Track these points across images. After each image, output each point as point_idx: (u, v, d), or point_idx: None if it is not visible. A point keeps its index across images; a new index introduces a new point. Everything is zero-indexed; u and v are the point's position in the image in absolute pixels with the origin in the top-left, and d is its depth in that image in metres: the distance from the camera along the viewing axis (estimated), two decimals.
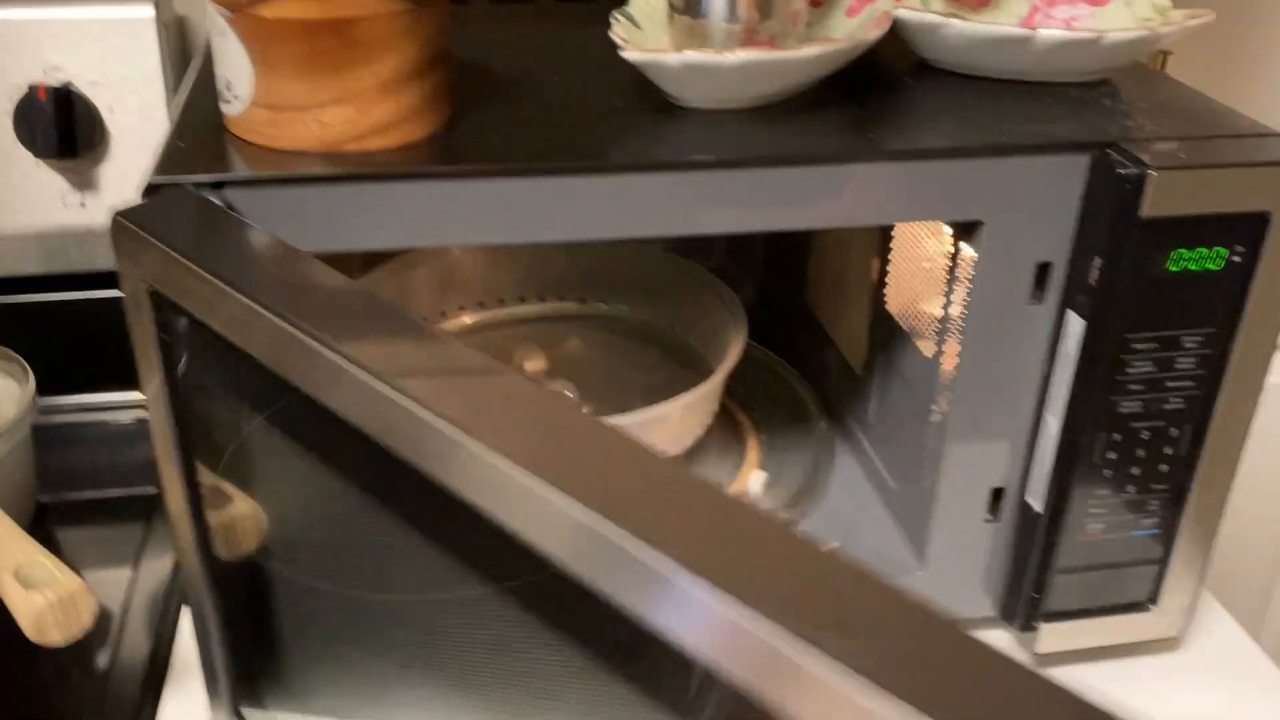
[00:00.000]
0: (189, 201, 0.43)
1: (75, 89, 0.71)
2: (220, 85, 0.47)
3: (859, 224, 0.50)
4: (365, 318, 0.36)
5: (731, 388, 0.75)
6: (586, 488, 0.28)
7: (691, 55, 0.49)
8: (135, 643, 0.60)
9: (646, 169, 0.48)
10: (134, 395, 0.80)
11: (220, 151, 0.46)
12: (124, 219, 0.41)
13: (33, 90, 0.69)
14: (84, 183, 0.74)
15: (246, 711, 0.51)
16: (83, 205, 0.74)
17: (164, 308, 0.41)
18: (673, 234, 0.49)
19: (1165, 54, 0.89)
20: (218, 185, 0.44)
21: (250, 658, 0.50)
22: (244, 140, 0.47)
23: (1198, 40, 0.88)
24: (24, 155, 0.72)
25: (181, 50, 0.77)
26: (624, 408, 0.62)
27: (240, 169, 0.45)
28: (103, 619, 0.60)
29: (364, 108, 0.45)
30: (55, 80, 0.70)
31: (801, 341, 0.78)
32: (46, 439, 0.72)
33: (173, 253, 0.39)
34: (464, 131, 0.49)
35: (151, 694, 0.58)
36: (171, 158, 0.46)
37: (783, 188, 0.49)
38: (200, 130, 0.48)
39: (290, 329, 0.34)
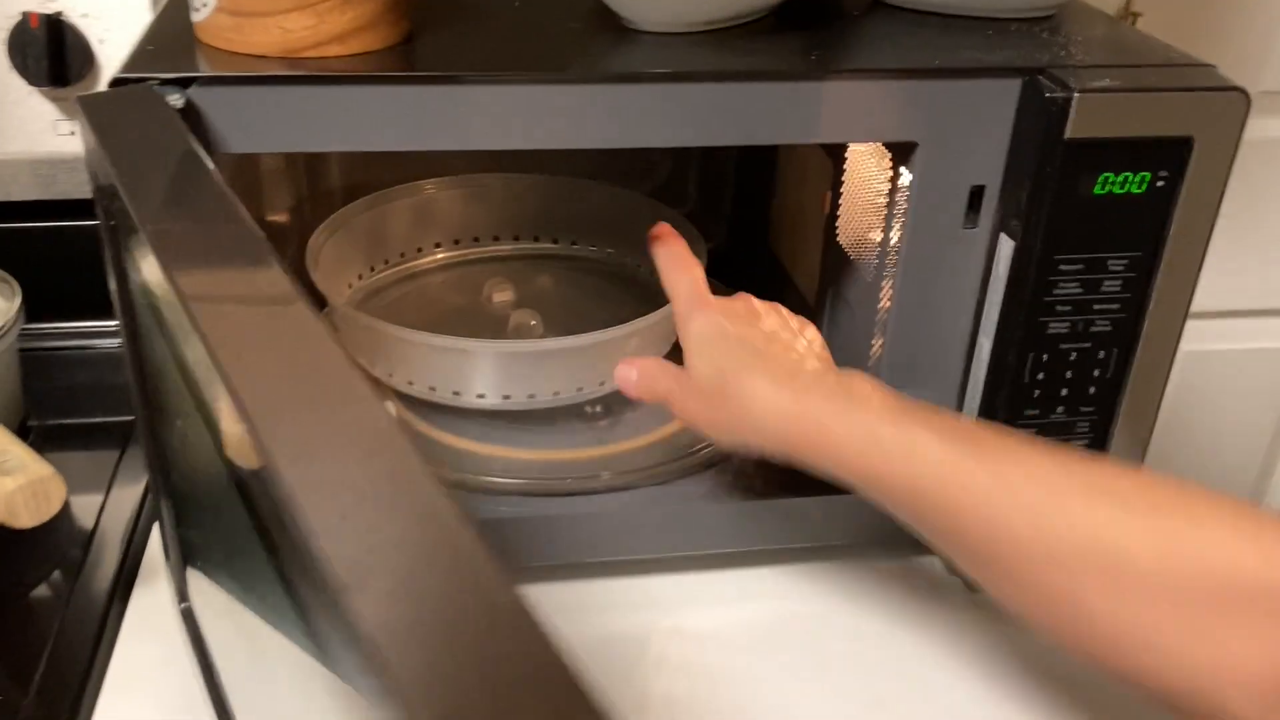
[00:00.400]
0: (146, 99, 0.45)
1: (66, 19, 0.73)
2: None
3: (799, 140, 0.53)
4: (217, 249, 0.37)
5: None
6: None
7: None
8: (102, 556, 0.62)
9: (598, 80, 0.50)
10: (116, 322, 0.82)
11: (187, 54, 0.49)
12: (84, 103, 0.43)
13: (25, 18, 0.72)
14: (74, 111, 0.77)
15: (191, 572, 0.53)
16: (73, 133, 0.77)
17: (107, 197, 0.44)
18: (622, 145, 0.51)
19: (1135, 14, 0.91)
20: (183, 83, 0.46)
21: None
22: (210, 46, 0.49)
23: (1167, 2, 0.90)
24: (17, 83, 0.74)
25: None
26: None
27: (203, 69, 0.47)
28: (79, 534, 0.62)
29: (324, 15, 0.48)
30: (47, 9, 0.73)
31: (764, 283, 0.80)
32: (33, 364, 0.75)
33: (102, 147, 0.41)
34: (421, 47, 0.52)
35: (120, 596, 0.60)
36: (140, 57, 0.48)
37: (728, 103, 0.51)
38: (170, 37, 0.51)
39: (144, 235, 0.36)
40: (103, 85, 0.76)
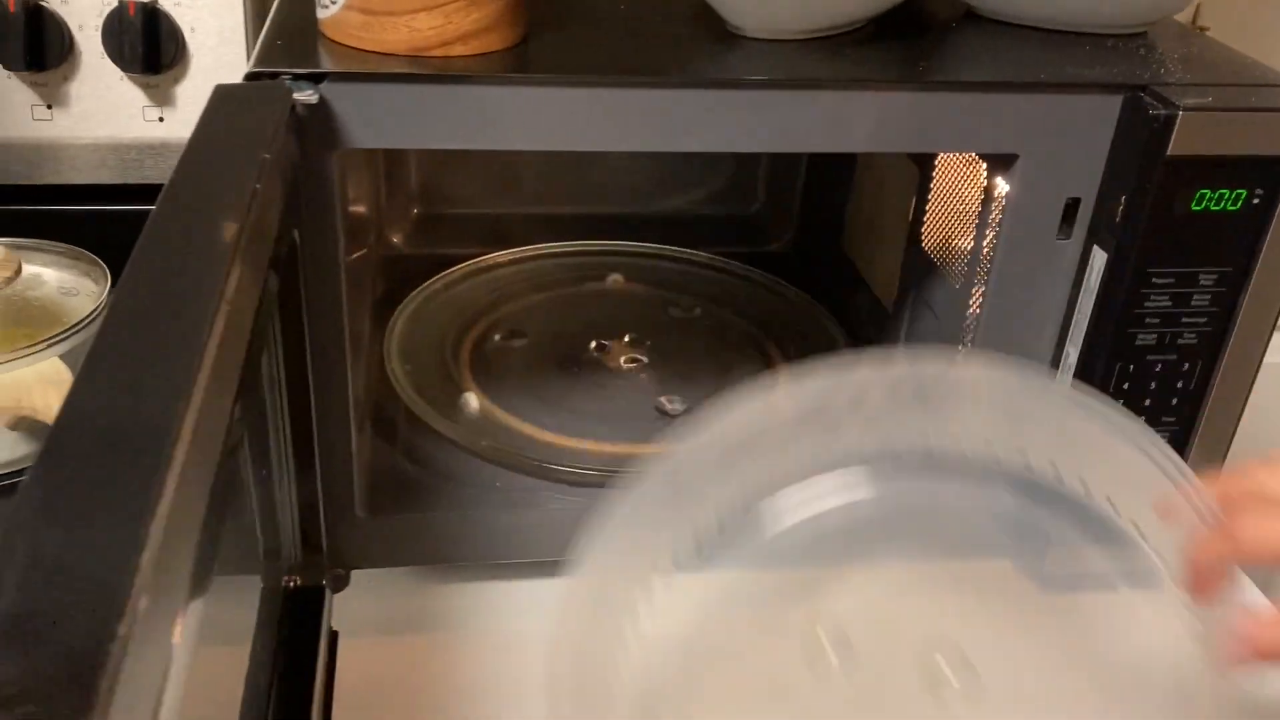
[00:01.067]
0: (275, 93, 0.47)
1: (161, 7, 0.75)
2: None
3: (902, 150, 0.54)
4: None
5: (767, 325, 0.79)
6: None
7: None
8: None
9: (702, 86, 0.51)
10: None
11: (314, 50, 0.50)
12: (217, 92, 0.45)
13: (122, 5, 0.73)
14: (163, 98, 0.78)
15: None
16: (160, 120, 0.78)
17: None
18: (726, 149, 0.53)
19: (1203, 28, 0.92)
20: (315, 79, 0.48)
21: None
22: (335, 42, 0.51)
23: (1232, 12, 0.90)
24: (109, 68, 0.76)
25: None
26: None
27: (334, 66, 0.49)
28: None
29: (450, 16, 0.49)
30: None
31: (835, 283, 0.82)
32: None
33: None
34: (537, 48, 0.53)
35: None
36: (271, 52, 0.49)
37: (835, 111, 0.52)
38: (294, 31, 0.52)
39: None
40: (192, 73, 0.77)
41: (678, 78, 0.51)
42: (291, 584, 0.57)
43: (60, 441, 0.27)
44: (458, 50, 0.50)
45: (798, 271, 0.84)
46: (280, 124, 0.43)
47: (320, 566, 0.57)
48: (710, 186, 0.91)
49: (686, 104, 0.51)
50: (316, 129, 0.48)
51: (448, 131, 0.50)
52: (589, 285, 0.83)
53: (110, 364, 0.30)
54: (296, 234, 0.49)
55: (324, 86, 0.48)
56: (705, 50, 0.55)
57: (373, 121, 0.49)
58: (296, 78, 0.48)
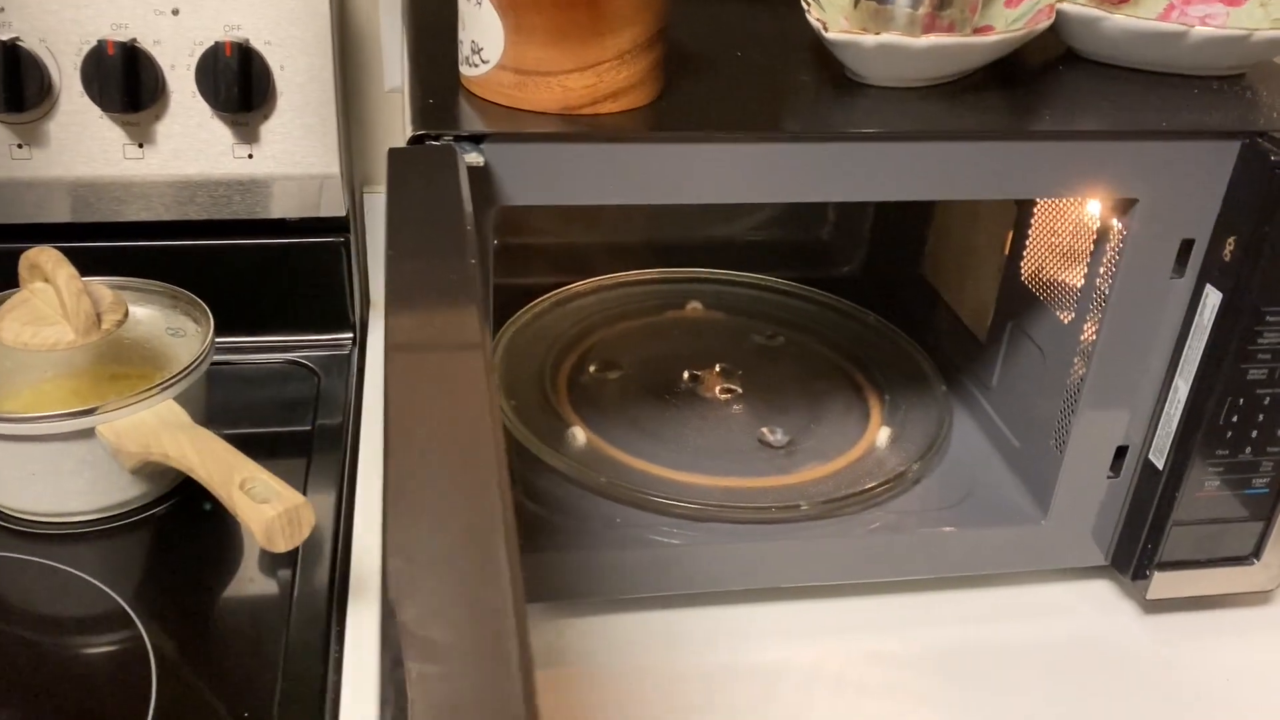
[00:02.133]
0: (443, 156, 0.48)
1: (253, 46, 0.76)
2: (465, 49, 0.52)
3: (1026, 196, 0.55)
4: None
5: (849, 350, 0.80)
6: None
7: (887, 37, 0.53)
8: (312, 568, 0.65)
9: (837, 139, 0.53)
10: (280, 338, 0.85)
11: (467, 110, 0.51)
12: (392, 156, 0.46)
13: (218, 46, 0.74)
14: (251, 136, 0.79)
15: None
16: (250, 157, 0.79)
17: None
18: (855, 199, 0.54)
19: None
20: (477, 139, 0.49)
21: None
22: (486, 100, 0.52)
23: None
24: (200, 107, 0.77)
25: (342, 13, 0.82)
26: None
27: (491, 126, 0.50)
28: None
29: (602, 75, 0.50)
30: (235, 38, 0.75)
31: (914, 310, 0.83)
32: (207, 377, 0.77)
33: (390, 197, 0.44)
34: (675, 101, 0.54)
35: (338, 609, 0.63)
36: (428, 113, 0.50)
37: (960, 161, 0.54)
38: (441, 90, 0.53)
39: None
40: (280, 110, 0.78)
41: (811, 131, 0.53)
42: None
43: None
44: (606, 108, 0.51)
45: (869, 295, 0.86)
46: (466, 188, 0.44)
47: None
48: (779, 211, 0.93)
49: (818, 156, 0.52)
50: (478, 188, 0.49)
51: (598, 188, 0.51)
52: (669, 314, 0.84)
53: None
54: None
55: (486, 146, 0.49)
56: (830, 101, 0.56)
57: (529, 179, 0.50)
58: (458, 139, 0.49)
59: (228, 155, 0.79)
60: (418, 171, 0.46)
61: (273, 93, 0.77)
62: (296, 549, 0.65)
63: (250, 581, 0.65)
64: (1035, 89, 0.59)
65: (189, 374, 0.67)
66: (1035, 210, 0.68)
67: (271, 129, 0.79)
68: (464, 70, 0.52)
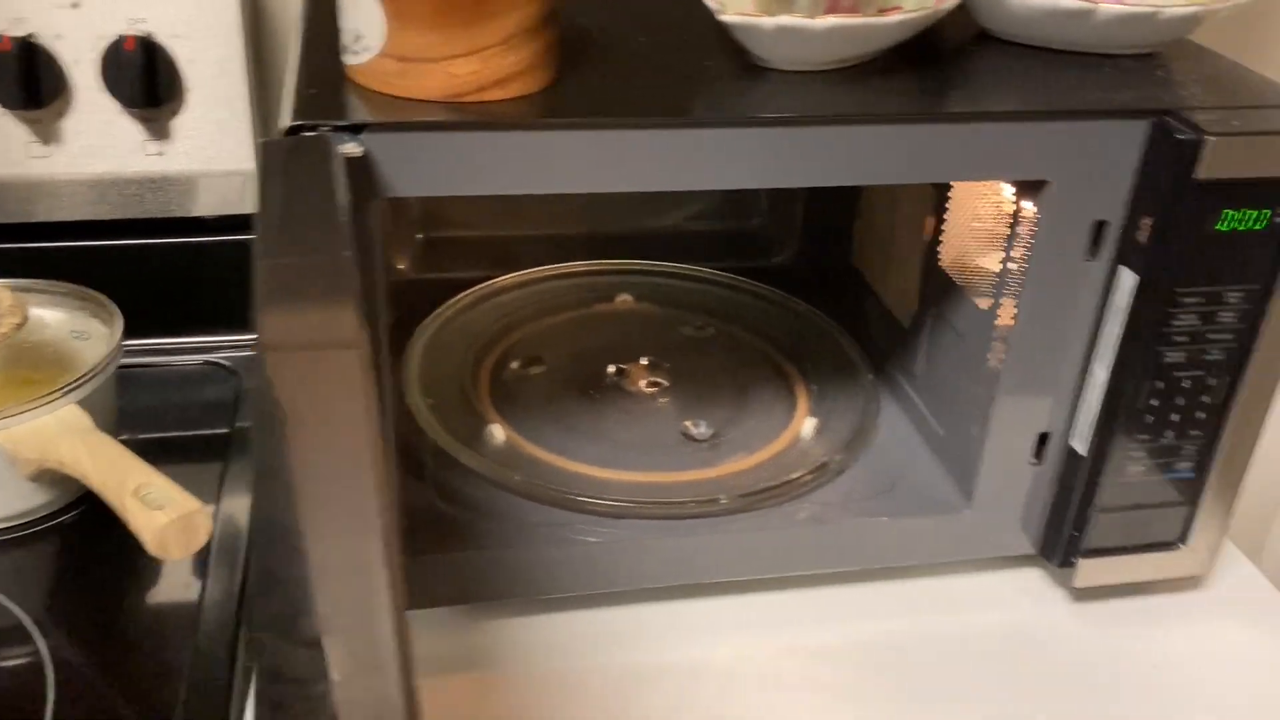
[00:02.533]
0: (318, 147, 0.46)
1: (158, 40, 0.73)
2: (347, 38, 0.50)
3: (935, 180, 0.54)
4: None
5: (778, 340, 0.79)
6: None
7: (786, 19, 0.52)
8: (221, 573, 0.63)
9: (741, 124, 0.51)
10: (198, 339, 0.83)
11: (350, 99, 0.50)
12: (262, 148, 0.44)
13: (120, 40, 0.72)
14: (161, 132, 0.77)
15: None
16: (160, 154, 0.77)
17: None
18: (758, 185, 0.53)
19: None
20: (356, 129, 0.47)
21: None
22: (370, 89, 0.50)
23: (1227, 31, 0.92)
24: (107, 104, 0.75)
25: (254, 3, 0.80)
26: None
27: (372, 115, 0.48)
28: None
29: (488, 60, 0.48)
30: (139, 31, 0.73)
31: (844, 298, 0.82)
32: (121, 380, 0.75)
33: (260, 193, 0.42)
34: (569, 87, 0.53)
35: (246, 615, 0.61)
36: (307, 104, 0.49)
37: (865, 145, 0.52)
38: (325, 79, 0.51)
39: None
40: (190, 105, 0.76)
41: (709, 117, 0.51)
42: None
43: None
44: (494, 95, 0.50)
45: (802, 285, 0.85)
46: (342, 181, 0.43)
47: None
48: (711, 201, 0.91)
49: (718, 142, 0.51)
50: (358, 180, 0.47)
51: (487, 178, 0.50)
52: (599, 306, 0.82)
53: None
54: None
55: (365, 137, 0.47)
56: (733, 85, 0.55)
57: (413, 170, 0.48)
58: (337, 129, 0.47)
59: (138, 152, 0.77)
60: (290, 165, 0.44)
61: (181, 87, 0.76)
62: (207, 556, 0.64)
63: (158, 590, 0.63)
64: (944, 70, 0.58)
65: (93, 377, 0.65)
66: (952, 194, 0.67)
67: (182, 125, 0.77)
68: (346, 59, 0.51)
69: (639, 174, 0.51)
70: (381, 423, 0.41)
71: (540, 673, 0.60)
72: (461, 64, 0.48)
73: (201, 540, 0.55)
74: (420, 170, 0.49)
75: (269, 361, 0.36)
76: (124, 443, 0.73)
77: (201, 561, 0.64)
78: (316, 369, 0.36)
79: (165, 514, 0.54)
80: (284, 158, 0.45)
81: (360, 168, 0.47)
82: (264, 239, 0.41)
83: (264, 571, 0.32)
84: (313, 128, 0.47)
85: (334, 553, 0.33)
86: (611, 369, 0.74)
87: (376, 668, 0.35)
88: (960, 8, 0.60)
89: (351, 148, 0.46)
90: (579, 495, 0.63)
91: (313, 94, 0.50)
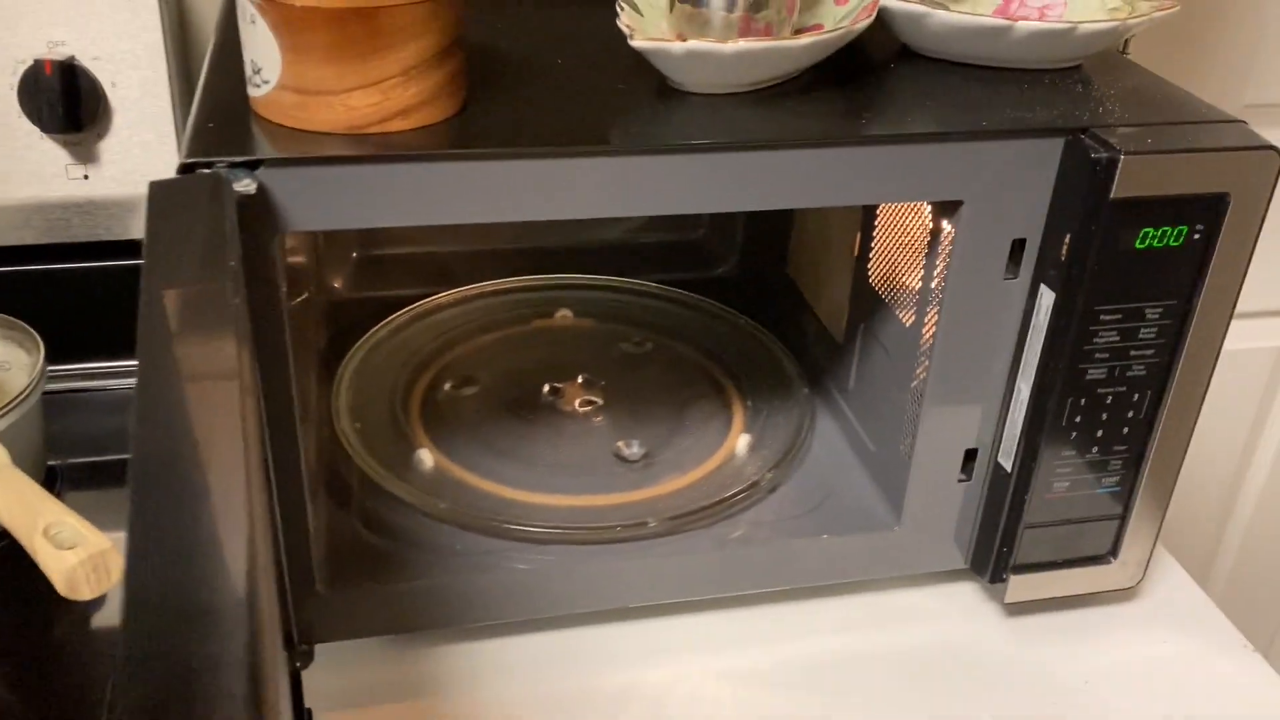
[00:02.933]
0: (212, 185, 0.45)
1: (79, 63, 0.72)
2: (248, 69, 0.49)
3: (847, 204, 0.54)
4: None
5: (718, 355, 0.79)
6: None
7: (695, 44, 0.51)
8: None
9: (650, 152, 0.51)
10: (134, 363, 0.81)
11: (249, 133, 0.49)
12: (152, 189, 0.43)
13: (38, 64, 0.71)
14: (86, 156, 0.76)
15: None
16: (85, 178, 0.76)
17: None
18: (672, 212, 0.52)
19: (1127, 39, 0.93)
20: (252, 165, 0.46)
21: None
22: (270, 121, 0.49)
23: (1158, 26, 0.92)
24: (28, 128, 0.73)
25: (180, 24, 0.79)
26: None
27: (270, 150, 0.47)
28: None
29: (388, 92, 0.48)
30: (59, 55, 0.72)
31: (783, 311, 0.82)
32: (49, 405, 0.74)
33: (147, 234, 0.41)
34: (478, 114, 0.52)
35: None
36: (202, 138, 0.48)
37: (777, 169, 0.52)
38: (226, 112, 0.50)
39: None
40: (116, 128, 0.75)
41: (621, 145, 0.50)
42: None
43: None
44: (397, 125, 0.49)
45: (744, 296, 0.84)
46: (233, 219, 0.42)
47: (292, 651, 0.56)
48: (653, 214, 0.91)
49: (631, 170, 0.51)
50: (256, 215, 0.47)
51: (391, 209, 0.49)
52: (537, 322, 0.82)
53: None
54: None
55: (262, 172, 0.46)
56: (647, 110, 0.54)
57: (314, 204, 0.48)
58: (232, 165, 0.46)
59: (61, 177, 0.76)
60: (180, 204, 0.44)
61: (105, 111, 0.74)
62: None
63: (81, 622, 0.62)
64: (862, 90, 0.58)
65: (10, 409, 0.64)
66: (879, 212, 0.66)
67: (109, 148, 0.76)
68: (250, 92, 0.50)
69: (546, 203, 0.50)
70: (262, 452, 0.40)
71: (470, 701, 0.60)
72: (360, 96, 0.48)
73: (114, 579, 0.54)
74: (320, 204, 0.48)
75: (143, 397, 0.35)
76: (54, 469, 0.72)
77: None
78: (200, 403, 0.36)
79: (75, 554, 0.53)
80: (172, 198, 0.44)
81: (257, 203, 0.47)
82: (149, 275, 0.40)
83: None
84: (207, 164, 0.46)
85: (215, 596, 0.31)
86: (546, 388, 0.74)
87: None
88: (882, 24, 0.59)
89: (246, 184, 0.46)
90: (507, 522, 0.63)
91: (210, 128, 0.49)
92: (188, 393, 0.35)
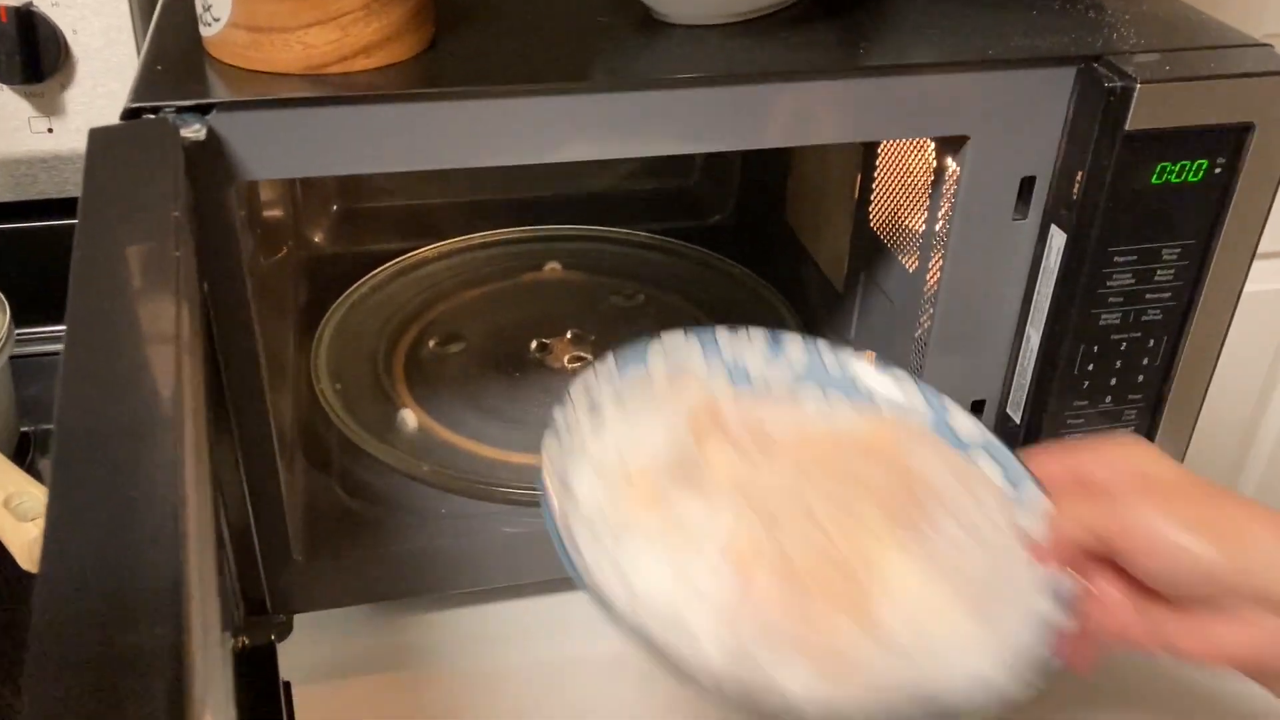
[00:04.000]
0: (157, 132, 0.42)
1: (37, 9, 0.69)
2: (198, 7, 0.46)
3: (845, 140, 0.50)
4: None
5: (713, 307, 0.75)
6: None
7: None
8: None
9: (632, 87, 0.47)
10: None
11: (200, 75, 0.45)
12: (92, 137, 0.40)
13: None
14: (50, 108, 0.72)
15: None
16: (49, 130, 0.73)
17: None
18: (657, 153, 0.49)
19: None
20: (202, 109, 0.43)
21: None
22: (224, 63, 0.46)
23: None
24: None
25: None
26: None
27: (223, 93, 0.44)
28: None
29: (347, 28, 0.44)
30: (15, 1, 0.68)
31: (781, 260, 0.79)
32: (23, 370, 0.71)
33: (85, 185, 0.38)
34: (447, 51, 0.49)
35: None
36: (150, 81, 0.45)
37: (769, 104, 0.48)
38: (177, 54, 0.47)
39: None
40: (79, 79, 0.71)
41: (601, 81, 0.47)
42: (241, 644, 0.53)
43: None
44: (359, 64, 0.45)
45: (740, 245, 0.81)
46: (179, 168, 0.39)
47: (268, 623, 0.54)
48: (644, 160, 0.87)
49: (611, 108, 0.47)
50: (209, 164, 0.43)
51: (355, 155, 0.46)
52: (526, 276, 0.79)
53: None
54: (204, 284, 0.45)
55: (213, 117, 0.43)
56: (628, 44, 0.51)
57: (270, 151, 0.45)
58: (180, 110, 0.43)
59: (24, 130, 0.72)
60: (123, 152, 0.41)
61: (68, 59, 0.71)
62: None
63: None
64: (861, 18, 0.54)
65: None
66: (880, 151, 0.63)
67: (73, 99, 0.72)
68: (202, 31, 0.47)
69: (523, 146, 0.47)
70: (209, 418, 0.37)
71: (457, 669, 0.58)
72: (318, 33, 0.44)
73: None
74: (277, 151, 0.45)
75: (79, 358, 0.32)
76: (27, 435, 0.70)
77: None
78: (132, 364, 0.33)
79: (37, 525, 0.50)
80: (114, 146, 0.41)
81: (209, 150, 0.43)
82: (83, 230, 0.37)
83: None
84: (154, 110, 0.43)
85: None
86: (534, 344, 0.71)
87: None
88: None
89: (194, 131, 0.42)
90: (494, 484, 0.60)
91: (159, 70, 0.46)
92: (121, 357, 0.32)
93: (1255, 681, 0.40)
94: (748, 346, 0.48)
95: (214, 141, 0.43)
